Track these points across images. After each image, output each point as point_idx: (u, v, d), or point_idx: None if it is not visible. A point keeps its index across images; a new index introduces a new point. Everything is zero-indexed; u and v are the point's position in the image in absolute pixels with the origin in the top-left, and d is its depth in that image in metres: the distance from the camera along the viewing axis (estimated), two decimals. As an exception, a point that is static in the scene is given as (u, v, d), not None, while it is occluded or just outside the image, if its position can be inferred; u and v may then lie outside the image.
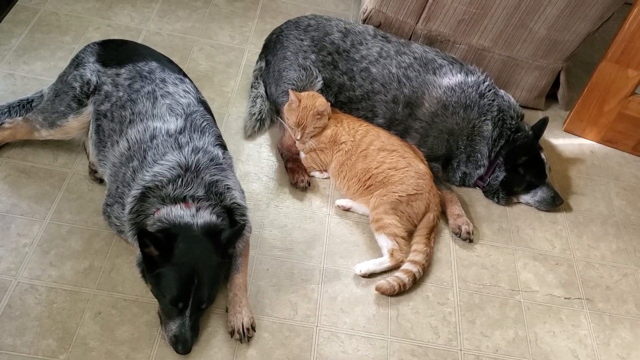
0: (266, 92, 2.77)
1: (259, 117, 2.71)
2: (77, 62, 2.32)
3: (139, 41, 2.85)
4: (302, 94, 2.50)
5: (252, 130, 2.70)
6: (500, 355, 2.12)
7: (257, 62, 2.90)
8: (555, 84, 3.13)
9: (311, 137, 2.51)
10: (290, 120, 2.50)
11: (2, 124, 2.31)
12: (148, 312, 1.99)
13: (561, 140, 3.05)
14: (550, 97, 3.20)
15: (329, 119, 2.52)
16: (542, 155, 2.61)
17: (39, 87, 2.53)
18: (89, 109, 2.24)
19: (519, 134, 2.59)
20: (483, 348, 2.13)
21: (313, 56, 2.67)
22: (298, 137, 2.50)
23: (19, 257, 2.06)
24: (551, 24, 2.83)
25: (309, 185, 2.53)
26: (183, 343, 1.84)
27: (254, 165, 2.58)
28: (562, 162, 2.93)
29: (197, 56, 3.01)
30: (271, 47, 2.81)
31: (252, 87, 2.83)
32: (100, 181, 2.29)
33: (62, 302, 1.97)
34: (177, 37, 3.08)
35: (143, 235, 1.77)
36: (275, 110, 2.72)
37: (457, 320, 2.20)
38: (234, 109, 2.79)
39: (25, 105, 2.41)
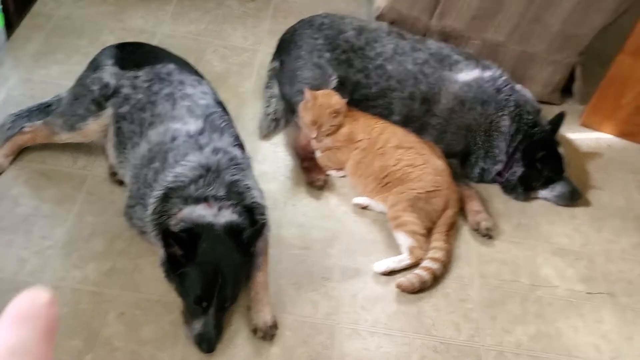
0: (281, 92, 2.78)
1: (274, 117, 2.72)
2: (95, 65, 2.33)
3: (154, 44, 2.86)
4: (318, 92, 2.50)
5: (268, 130, 2.70)
6: (522, 350, 2.12)
7: (271, 62, 2.90)
8: (570, 78, 3.11)
9: (327, 135, 2.51)
10: (306, 119, 2.50)
11: (22, 128, 2.33)
12: (171, 311, 2.00)
13: (577, 135, 3.04)
14: (565, 91, 3.19)
15: (344, 117, 2.53)
16: (560, 150, 2.60)
17: (57, 91, 2.55)
18: (108, 111, 2.25)
19: (537, 129, 2.59)
20: (505, 344, 2.13)
21: (327, 54, 2.67)
22: (314, 136, 2.50)
23: (43, 259, 2.08)
24: (566, 18, 2.82)
25: (326, 183, 2.53)
26: (207, 342, 1.85)
27: (270, 165, 2.59)
28: (579, 157, 2.92)
29: (211, 58, 3.02)
30: (285, 46, 2.82)
31: (266, 87, 2.84)
32: (121, 183, 2.31)
33: (87, 303, 1.98)
34: (191, 39, 3.09)
35: (167, 236, 1.79)
36: (290, 109, 2.73)
37: (479, 316, 2.20)
38: (249, 109, 2.80)
39: (44, 109, 2.43)
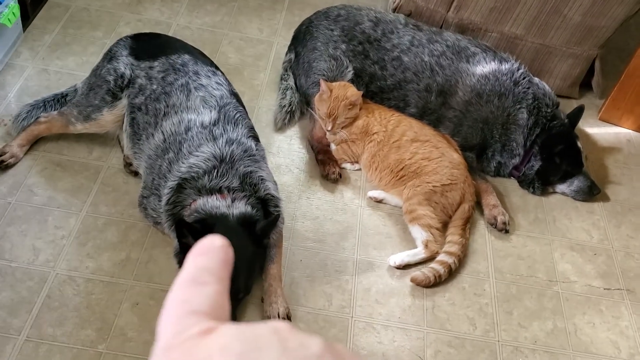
0: (296, 83, 2.76)
1: (289, 109, 2.70)
2: (110, 56, 2.33)
3: (170, 35, 2.85)
4: (334, 84, 2.48)
5: (283, 123, 2.69)
6: (538, 346, 2.09)
7: (286, 54, 2.89)
8: (590, 71, 3.06)
9: (342, 127, 2.49)
10: (321, 111, 2.49)
11: (38, 118, 2.34)
12: (185, 303, 1.99)
13: (596, 129, 2.99)
14: (584, 85, 3.14)
15: (360, 109, 2.51)
16: (579, 144, 2.56)
17: (73, 81, 2.56)
18: (123, 102, 2.25)
19: (555, 122, 2.55)
20: (521, 339, 2.10)
21: (343, 46, 2.65)
22: (329, 128, 2.48)
23: (57, 249, 2.08)
24: (586, 10, 2.77)
25: (340, 177, 2.51)
26: (220, 333, 1.84)
27: (284, 157, 2.58)
28: (597, 152, 2.88)
29: (227, 49, 3.01)
30: (301, 38, 2.80)
31: (281, 79, 2.82)
32: (135, 174, 2.31)
33: (100, 293, 1.99)
34: (207, 31, 3.09)
35: (181, 226, 1.78)
36: (305, 101, 2.71)
37: (494, 311, 2.17)
38: (264, 101, 2.79)
39: (59, 100, 2.44)
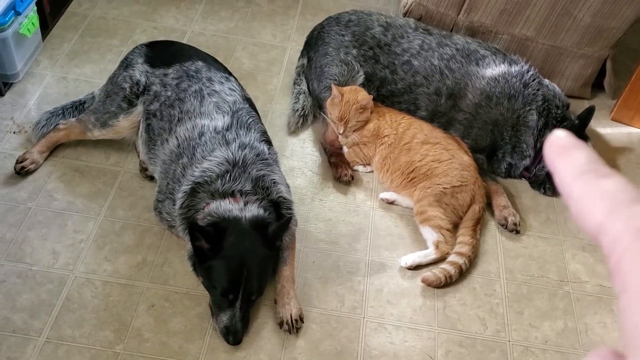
0: (308, 88, 2.80)
1: (302, 113, 2.74)
2: (126, 64, 2.39)
3: (184, 42, 2.91)
4: (345, 88, 2.52)
5: (296, 126, 2.73)
6: (549, 346, 2.10)
7: (299, 59, 2.93)
8: (601, 72, 3.06)
9: (354, 131, 2.53)
10: (332, 114, 2.53)
11: (57, 125, 2.40)
12: (199, 304, 2.04)
13: (608, 130, 2.99)
14: (596, 85, 3.14)
15: (371, 112, 2.54)
16: (589, 145, 2.57)
17: (90, 89, 2.62)
18: (139, 108, 2.31)
19: (565, 124, 2.56)
20: (532, 339, 2.12)
21: (354, 51, 2.69)
22: (341, 132, 2.52)
23: (76, 252, 2.14)
24: (596, 11, 2.78)
25: (353, 179, 2.55)
26: (234, 334, 1.88)
27: (298, 160, 2.62)
28: (610, 152, 2.88)
29: (241, 55, 3.06)
30: (313, 43, 2.84)
31: (294, 83, 2.87)
32: (151, 179, 2.36)
33: (118, 295, 2.04)
34: (221, 37, 3.14)
35: (194, 229, 1.82)
36: (318, 105, 2.75)
37: (505, 311, 2.19)
38: (277, 105, 2.84)
39: (78, 107, 2.51)
